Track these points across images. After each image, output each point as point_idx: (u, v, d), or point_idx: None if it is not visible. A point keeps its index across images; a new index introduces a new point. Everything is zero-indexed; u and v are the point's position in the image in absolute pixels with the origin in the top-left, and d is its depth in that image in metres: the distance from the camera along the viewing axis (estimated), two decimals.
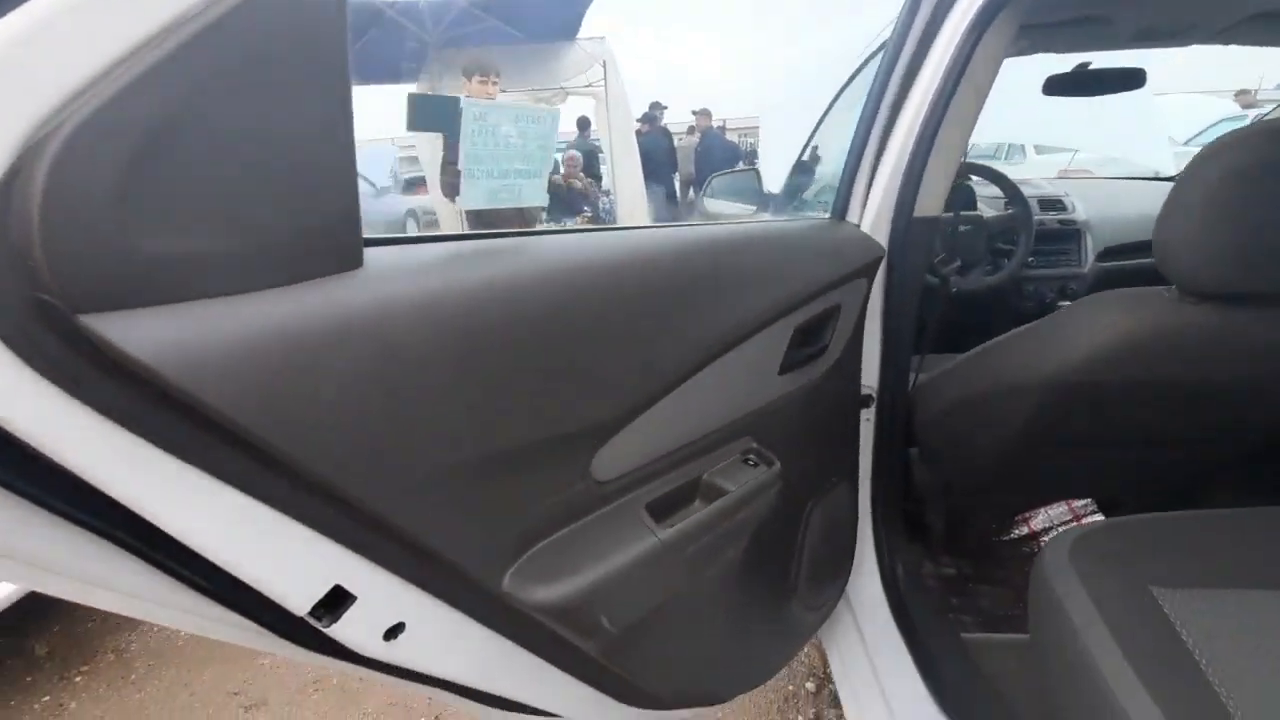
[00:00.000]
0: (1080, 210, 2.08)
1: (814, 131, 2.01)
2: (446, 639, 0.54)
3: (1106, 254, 2.04)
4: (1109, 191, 2.33)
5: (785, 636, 1.08)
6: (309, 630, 0.45)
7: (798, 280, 0.83)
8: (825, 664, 1.64)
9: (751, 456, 0.79)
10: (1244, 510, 0.99)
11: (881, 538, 1.21)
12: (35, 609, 1.93)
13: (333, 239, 0.42)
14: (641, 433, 0.65)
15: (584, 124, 6.82)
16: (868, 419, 1.14)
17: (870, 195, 1.03)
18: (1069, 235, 2.03)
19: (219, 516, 0.39)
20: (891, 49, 0.98)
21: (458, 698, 0.62)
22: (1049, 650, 0.93)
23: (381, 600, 0.47)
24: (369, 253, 0.44)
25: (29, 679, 1.74)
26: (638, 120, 6.74)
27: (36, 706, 1.65)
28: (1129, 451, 1.14)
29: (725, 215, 2.07)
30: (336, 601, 0.45)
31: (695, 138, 7.52)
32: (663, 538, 0.63)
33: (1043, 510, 1.57)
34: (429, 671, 0.54)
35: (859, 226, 1.01)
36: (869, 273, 0.97)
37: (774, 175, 2.46)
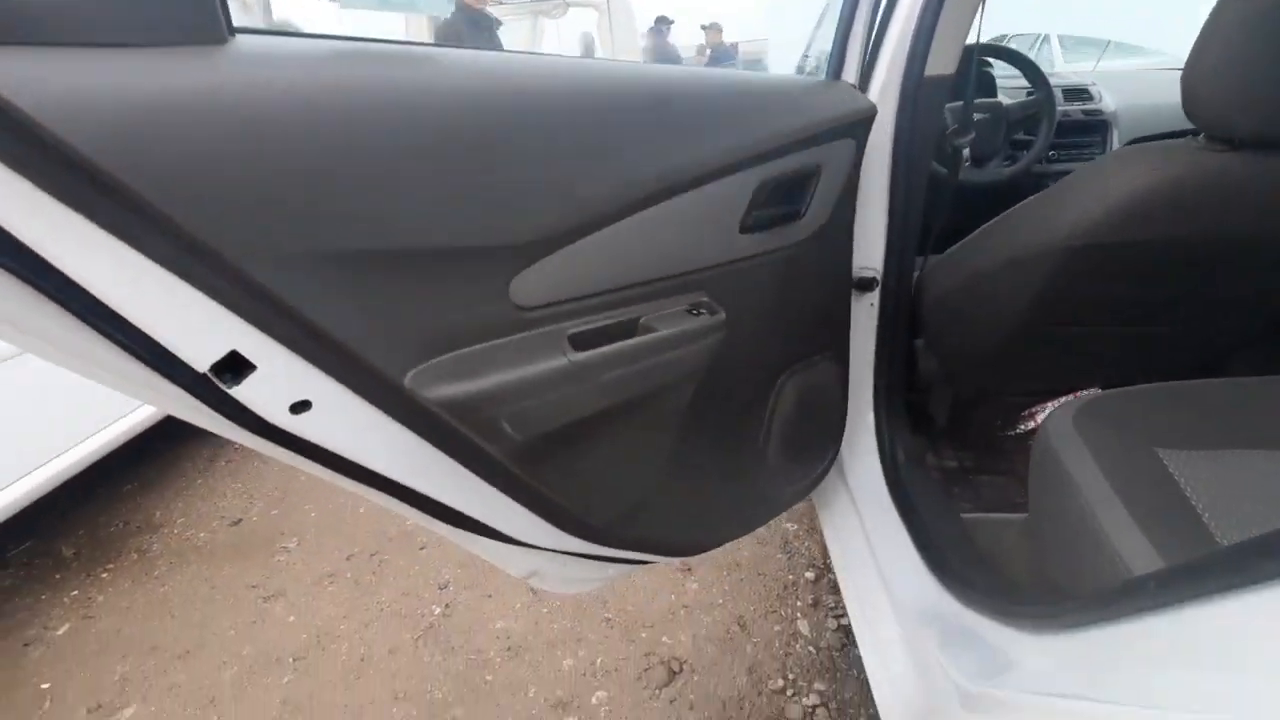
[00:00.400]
0: (1108, 100, 1.97)
1: (821, 16, 1.89)
2: (354, 423, 0.55)
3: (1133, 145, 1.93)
4: (1141, 81, 2.20)
5: (747, 505, 1.07)
6: (223, 396, 0.48)
7: (763, 130, 0.77)
8: (825, 555, 1.67)
9: (700, 309, 0.76)
10: (1252, 379, 0.96)
11: (882, 424, 1.19)
12: (60, 511, 2.00)
13: (186, 6, 0.43)
14: (571, 265, 0.64)
15: (587, 41, 6.52)
16: (871, 304, 1.10)
17: (880, 53, 0.95)
18: (1094, 127, 1.93)
19: (108, 264, 0.41)
20: None
21: (397, 500, 0.64)
22: (1050, 514, 0.92)
23: (282, 374, 0.50)
24: (242, 38, 0.45)
25: (58, 577, 1.81)
26: (643, 36, 6.42)
27: (66, 600, 1.73)
28: (1143, 326, 1.10)
29: None
30: (237, 367, 0.48)
31: (704, 57, 7.17)
32: (573, 358, 0.63)
33: (1050, 404, 1.54)
34: (338, 451, 0.55)
35: (857, 87, 0.94)
36: (856, 133, 0.89)
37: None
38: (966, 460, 1.50)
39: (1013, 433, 1.57)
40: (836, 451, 1.18)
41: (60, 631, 1.63)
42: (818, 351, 1.06)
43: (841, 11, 0.94)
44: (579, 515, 0.76)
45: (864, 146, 0.92)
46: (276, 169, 0.45)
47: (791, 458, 1.09)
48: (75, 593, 1.76)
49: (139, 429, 2.02)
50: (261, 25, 0.52)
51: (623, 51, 5.46)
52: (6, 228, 0.38)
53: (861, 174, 0.96)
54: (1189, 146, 0.87)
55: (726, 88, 0.80)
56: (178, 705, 1.41)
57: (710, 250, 0.79)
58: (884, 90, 0.95)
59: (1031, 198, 1.02)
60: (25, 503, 1.65)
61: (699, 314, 0.76)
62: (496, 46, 3.69)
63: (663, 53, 6.78)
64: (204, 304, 0.45)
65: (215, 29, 0.44)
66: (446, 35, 3.22)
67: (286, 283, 0.47)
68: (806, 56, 2.06)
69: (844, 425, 1.17)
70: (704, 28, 7.10)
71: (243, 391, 0.48)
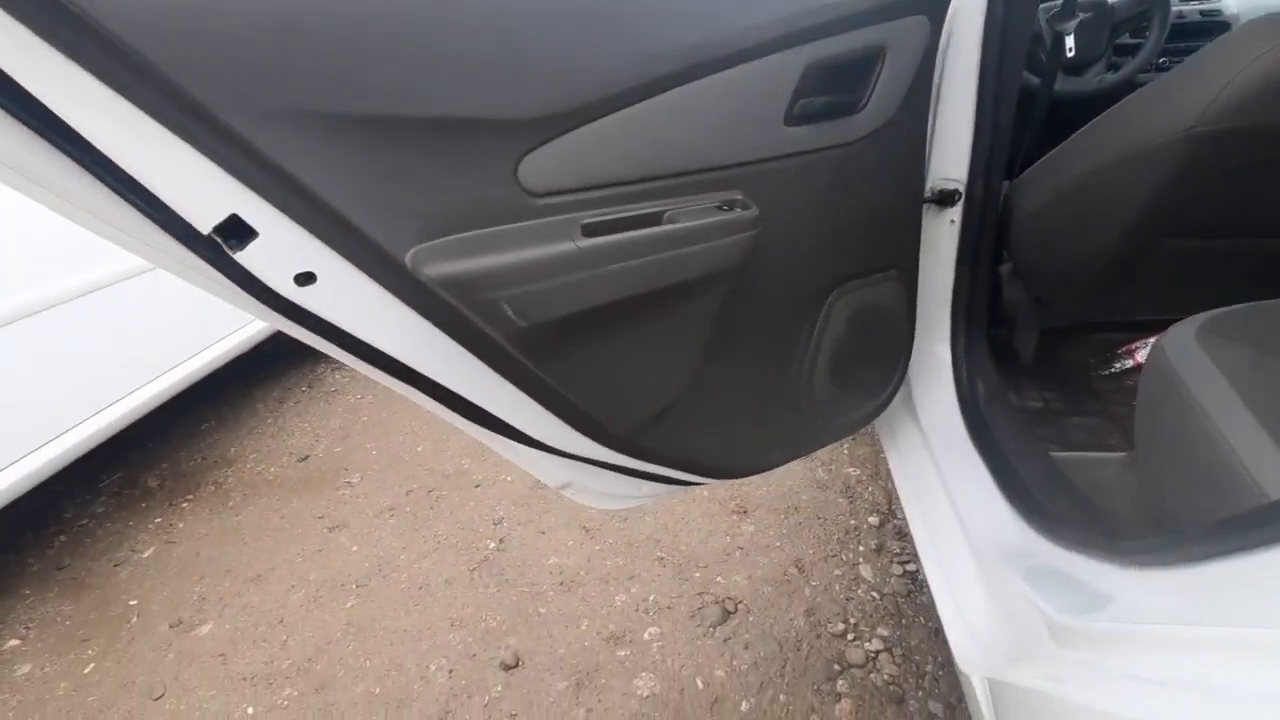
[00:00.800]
0: (1229, 1, 1.72)
1: None
2: (358, 300, 0.53)
3: None
4: None
5: (791, 429, 0.98)
6: (230, 262, 0.47)
7: (813, 0, 0.66)
8: (890, 501, 1.59)
9: (732, 206, 0.68)
10: None
11: (960, 357, 1.09)
12: (145, 446, 2.13)
13: None
14: (586, 151, 0.59)
15: None
16: (952, 221, 0.99)
17: None
18: (1212, 29, 1.69)
19: (107, 116, 0.40)
20: None
21: (412, 388, 0.62)
22: (1166, 442, 0.81)
23: (284, 243, 0.48)
24: None
25: (144, 505, 1.93)
26: None
27: (151, 526, 1.84)
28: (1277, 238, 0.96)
29: None
30: (241, 233, 0.46)
31: None
32: (581, 244, 0.58)
33: (1152, 339, 1.39)
34: (344, 327, 0.54)
35: None
36: (931, 8, 0.76)
37: None
38: (1054, 401, 1.37)
39: (1108, 372, 1.43)
40: (899, 383, 1.08)
41: (146, 554, 1.73)
42: (879, 270, 0.95)
43: None
44: (599, 419, 0.71)
45: (940, 26, 0.80)
46: (270, 24, 0.43)
47: (845, 384, 1.00)
48: (159, 520, 1.86)
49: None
50: None
51: None
52: (11, 75, 0.37)
53: (943, 63, 0.84)
54: None
55: None
56: (250, 623, 1.48)
57: (747, 143, 0.70)
58: None
59: (1152, 82, 0.88)
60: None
61: (729, 210, 0.68)
62: None
63: None
64: (201, 163, 0.44)
65: None
66: None
67: (282, 146, 0.45)
68: None
69: (909, 355, 1.07)
70: None
71: (247, 258, 0.47)
